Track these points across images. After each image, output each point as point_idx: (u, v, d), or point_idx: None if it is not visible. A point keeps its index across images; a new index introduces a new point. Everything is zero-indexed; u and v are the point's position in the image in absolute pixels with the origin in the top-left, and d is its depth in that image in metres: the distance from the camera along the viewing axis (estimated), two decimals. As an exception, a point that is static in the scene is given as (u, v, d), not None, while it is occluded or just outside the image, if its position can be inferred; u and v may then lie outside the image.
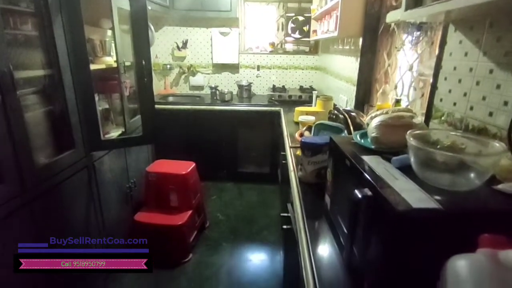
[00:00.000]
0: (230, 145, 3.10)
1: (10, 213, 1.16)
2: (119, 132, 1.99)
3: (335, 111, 1.52)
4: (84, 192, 1.64)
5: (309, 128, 1.68)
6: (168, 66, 3.44)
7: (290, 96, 3.08)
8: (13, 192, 1.18)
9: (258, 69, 3.51)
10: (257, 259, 2.17)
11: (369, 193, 0.67)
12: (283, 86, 3.38)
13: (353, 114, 1.48)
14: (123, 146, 1.96)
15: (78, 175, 1.58)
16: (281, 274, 1.97)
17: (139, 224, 2.05)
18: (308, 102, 2.99)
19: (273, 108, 2.95)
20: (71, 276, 1.46)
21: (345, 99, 2.29)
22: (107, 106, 2.01)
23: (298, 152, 1.54)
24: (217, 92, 3.20)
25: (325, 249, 0.89)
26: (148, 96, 1.74)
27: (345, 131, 1.41)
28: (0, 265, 1.12)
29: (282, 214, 1.38)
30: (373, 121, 0.89)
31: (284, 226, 1.38)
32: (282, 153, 2.05)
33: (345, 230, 0.82)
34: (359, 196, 0.68)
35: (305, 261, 0.86)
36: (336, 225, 0.92)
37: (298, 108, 2.31)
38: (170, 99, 3.32)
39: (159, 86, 3.50)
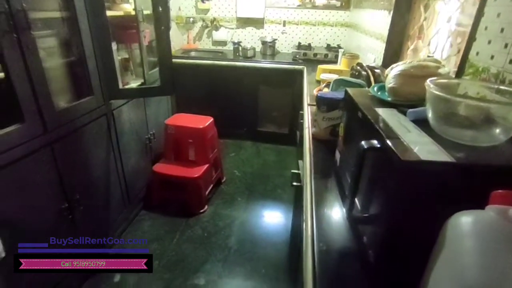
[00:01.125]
0: (250, 103, 3.06)
1: (32, 152, 1.22)
2: (138, 83, 1.99)
3: (358, 67, 1.42)
4: (103, 139, 1.69)
5: (328, 85, 1.59)
6: (191, 19, 3.34)
7: (315, 55, 2.93)
8: (34, 131, 1.23)
9: (284, 25, 3.33)
10: (270, 215, 2.21)
11: (376, 143, 0.62)
12: (309, 44, 3.21)
13: (377, 71, 1.37)
14: (141, 96, 1.97)
15: (97, 121, 1.62)
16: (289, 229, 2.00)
17: (157, 175, 2.13)
18: (334, 61, 2.84)
19: (296, 67, 2.83)
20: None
21: (373, 57, 2.13)
22: (126, 56, 2.00)
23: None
24: (240, 48, 3.09)
25: (329, 205, 0.86)
26: (165, 45, 1.70)
27: (366, 87, 1.32)
28: (21, 202, 1.21)
29: (293, 171, 1.36)
30: (392, 70, 0.81)
31: (294, 183, 1.37)
32: (301, 112, 1.99)
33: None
34: (365, 146, 0.64)
35: (306, 214, 0.85)
36: (343, 181, 0.89)
37: (321, 66, 2.19)
38: (193, 54, 3.26)
39: (181, 40, 3.43)
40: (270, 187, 2.49)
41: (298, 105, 2.89)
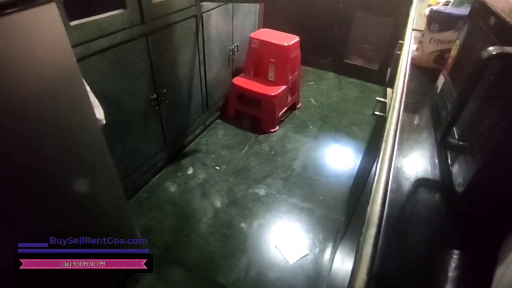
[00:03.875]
0: (341, 30, 2.78)
1: (131, 39, 1.32)
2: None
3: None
4: (191, 41, 1.74)
5: (448, 4, 1.31)
6: None
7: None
8: (134, 19, 1.30)
9: None
10: (339, 149, 2.15)
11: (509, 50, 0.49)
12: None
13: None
14: (233, 1, 1.90)
15: (188, 22, 1.65)
16: (356, 168, 1.94)
17: (236, 87, 2.17)
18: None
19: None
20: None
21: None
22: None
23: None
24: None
25: (416, 138, 0.76)
26: None
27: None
28: (120, 86, 1.35)
29: (378, 98, 1.23)
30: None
31: (377, 112, 1.25)
32: (400, 41, 1.73)
33: (447, 114, 0.68)
34: (493, 52, 0.51)
35: (386, 143, 0.76)
36: (442, 111, 0.77)
37: None
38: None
39: None
40: (346, 122, 2.37)
41: (396, 39, 2.53)
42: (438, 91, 0.84)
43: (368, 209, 0.57)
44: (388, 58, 2.68)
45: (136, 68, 1.40)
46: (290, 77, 2.18)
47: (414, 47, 1.21)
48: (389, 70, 2.66)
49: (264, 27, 2.33)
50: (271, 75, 2.18)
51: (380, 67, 2.79)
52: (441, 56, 1.02)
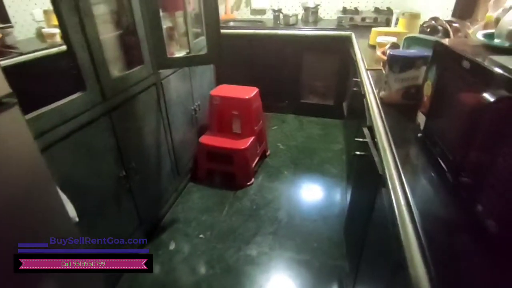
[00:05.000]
0: (293, 74, 2.93)
1: (94, 119, 1.22)
2: (183, 53, 1.95)
3: (432, 22, 1.25)
4: (154, 108, 1.68)
5: (393, 47, 1.44)
6: (229, -13, 3.21)
7: (363, 19, 2.71)
8: (95, 99, 1.22)
9: (327, -11, 3.10)
10: (319, 189, 2.14)
11: (506, 93, 0.52)
12: (355, 8, 2.97)
13: (455, 25, 1.21)
14: (189, 65, 1.92)
15: (148, 91, 1.60)
16: (343, 206, 1.93)
17: (204, 146, 2.11)
18: (385, 25, 2.62)
19: (342, 33, 2.64)
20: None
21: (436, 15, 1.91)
22: (170, 25, 1.94)
23: (381, 68, 1.35)
24: (281, 16, 2.94)
25: (419, 172, 0.77)
26: (212, 8, 1.62)
27: (444, 46, 1.16)
28: (87, 168, 1.23)
29: (356, 139, 1.26)
30: (508, 13, 0.67)
31: (357, 152, 1.27)
32: (354, 79, 1.85)
33: (448, 152, 0.69)
34: (490, 99, 0.53)
35: (392, 182, 0.76)
36: (432, 147, 0.79)
37: (376, 29, 2.01)
38: (231, 24, 3.15)
39: (219, 11, 3.32)
40: (317, 161, 2.41)
41: (345, 75, 2.73)
42: (422, 127, 0.87)
43: (406, 255, 0.56)
44: (341, 93, 2.86)
45: (102, 147, 1.30)
46: (256, 128, 2.19)
47: (373, 83, 1.29)
48: (344, 104, 2.83)
49: (219, 83, 2.36)
50: (235, 128, 2.18)
51: (335, 102, 2.96)
52: (407, 92, 1.09)
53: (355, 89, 1.87)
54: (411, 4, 2.54)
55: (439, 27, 1.20)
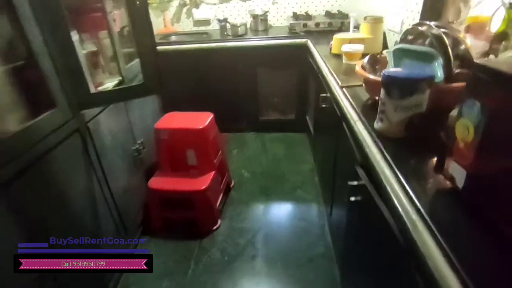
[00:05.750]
0: (248, 90, 2.65)
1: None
2: (115, 81, 1.55)
3: (418, 28, 1.04)
4: (81, 162, 1.28)
5: (373, 60, 1.21)
6: (165, -3, 2.84)
7: (317, 24, 2.51)
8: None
9: (274, -6, 2.87)
10: (296, 223, 1.85)
11: None
12: (307, 13, 2.78)
13: (445, 30, 1.00)
14: (121, 100, 1.54)
15: (69, 141, 1.20)
16: (327, 240, 1.68)
17: (155, 192, 1.73)
18: (340, 30, 2.44)
19: (297, 41, 2.42)
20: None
21: (400, 19, 1.75)
22: (94, 49, 1.54)
23: (361, 85, 1.11)
24: (228, 26, 2.64)
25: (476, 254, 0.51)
26: (145, 28, 1.27)
27: (440, 58, 0.94)
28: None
29: (350, 183, 1.00)
30: None
31: (353, 198, 1.01)
32: (323, 95, 1.62)
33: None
34: None
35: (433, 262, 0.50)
36: (481, 212, 0.54)
37: (338, 36, 1.80)
38: (173, 38, 2.79)
39: (158, 24, 2.93)
40: (288, 187, 2.13)
41: (304, 86, 2.52)
42: (460, 184, 0.62)
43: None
44: (302, 106, 2.64)
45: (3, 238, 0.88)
46: (215, 160, 1.86)
47: (358, 108, 1.04)
48: (307, 117, 2.61)
49: (166, 111, 1.99)
50: (191, 160, 1.82)
51: (297, 116, 2.72)
52: (412, 122, 0.85)
53: (324, 105, 1.63)
54: (363, 7, 2.40)
55: (430, 34, 0.99)
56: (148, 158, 1.84)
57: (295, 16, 2.71)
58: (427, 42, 1.04)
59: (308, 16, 2.65)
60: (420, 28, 1.05)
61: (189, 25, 3.00)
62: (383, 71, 0.85)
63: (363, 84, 1.14)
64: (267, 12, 2.76)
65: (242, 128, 2.82)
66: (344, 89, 1.28)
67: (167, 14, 2.91)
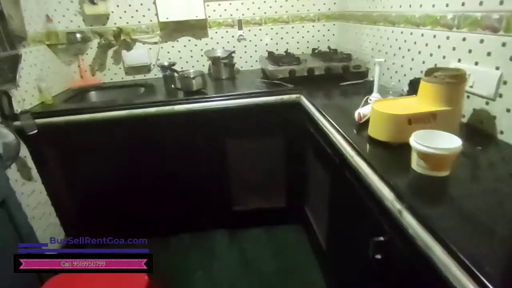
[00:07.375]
0: (215, 170, 1.73)
1: None
2: None
3: None
4: None
5: None
6: (78, 35, 1.88)
7: (311, 71, 1.69)
8: None
9: (240, 28, 2.06)
10: None
11: None
12: (288, 53, 1.99)
13: None
14: None
15: None
16: None
17: None
18: (343, 78, 1.65)
19: (284, 97, 1.59)
20: None
21: (494, 74, 0.95)
22: None
23: None
24: (176, 77, 1.76)
25: None
26: None
27: None
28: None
29: None
30: None
31: None
32: (377, 239, 0.76)
33: None
34: None
35: None
36: None
37: (380, 104, 0.96)
38: (92, 94, 1.84)
39: (68, 75, 1.95)
40: None
41: (298, 160, 1.67)
42: None
43: None
44: (298, 189, 1.78)
45: None
46: None
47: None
48: (308, 209, 1.75)
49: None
50: None
51: (288, 203, 1.84)
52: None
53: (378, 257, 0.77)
54: (354, 43, 1.65)
55: None
56: None
57: (272, 57, 1.90)
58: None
59: (293, 58, 1.82)
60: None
61: (119, 73, 2.06)
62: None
63: None
64: (232, 53, 1.92)
65: (206, 225, 1.87)
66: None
67: (81, 60, 1.94)
